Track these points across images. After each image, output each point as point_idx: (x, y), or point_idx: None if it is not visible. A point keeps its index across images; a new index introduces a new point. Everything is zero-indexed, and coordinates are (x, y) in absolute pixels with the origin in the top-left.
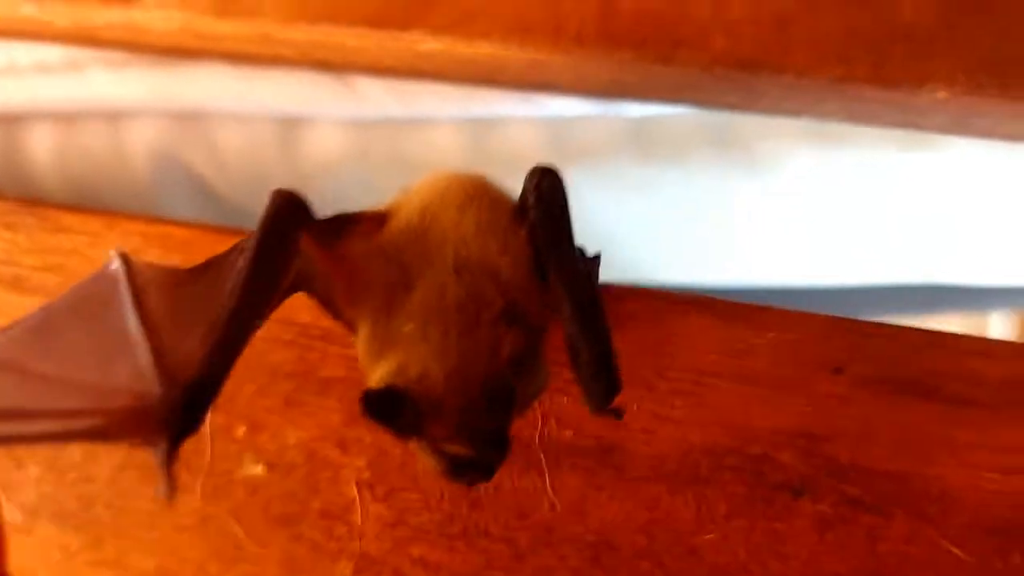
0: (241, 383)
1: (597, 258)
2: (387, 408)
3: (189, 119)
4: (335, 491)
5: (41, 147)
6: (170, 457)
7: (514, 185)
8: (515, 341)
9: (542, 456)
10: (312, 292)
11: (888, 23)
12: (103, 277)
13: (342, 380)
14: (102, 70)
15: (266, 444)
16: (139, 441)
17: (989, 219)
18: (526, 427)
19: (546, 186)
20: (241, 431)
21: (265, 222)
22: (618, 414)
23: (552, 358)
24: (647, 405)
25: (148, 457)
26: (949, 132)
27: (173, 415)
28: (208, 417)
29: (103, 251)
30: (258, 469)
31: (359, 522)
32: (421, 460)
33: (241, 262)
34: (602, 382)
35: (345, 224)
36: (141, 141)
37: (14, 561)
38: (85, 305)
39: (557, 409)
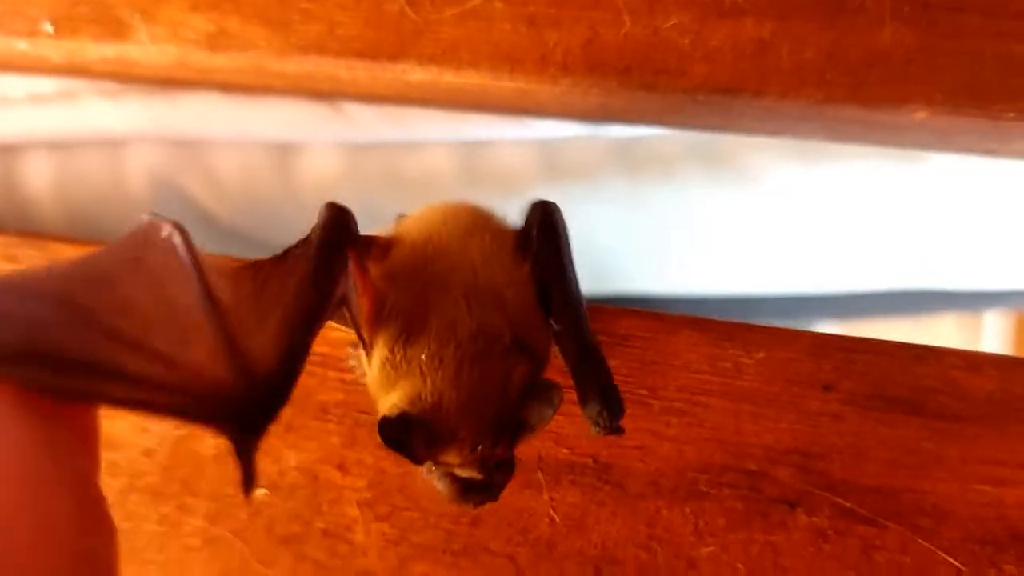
0: None
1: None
2: (402, 434)
3: (185, 146)
4: (337, 511)
5: (38, 176)
6: (252, 450)
7: (507, 205)
8: (524, 372)
9: (541, 474)
10: (348, 308)
11: (866, 46)
12: (158, 245)
13: (340, 404)
14: (97, 100)
15: (268, 467)
16: (215, 430)
17: (974, 225)
18: (524, 446)
19: (548, 222)
20: None
21: (322, 229)
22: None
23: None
24: (642, 423)
25: (155, 479)
26: (929, 149)
27: (257, 408)
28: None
29: None
30: (261, 491)
31: (361, 541)
32: (424, 482)
33: (304, 264)
34: (608, 409)
35: (366, 246)
36: (138, 168)
37: None
38: (144, 268)
39: (554, 429)
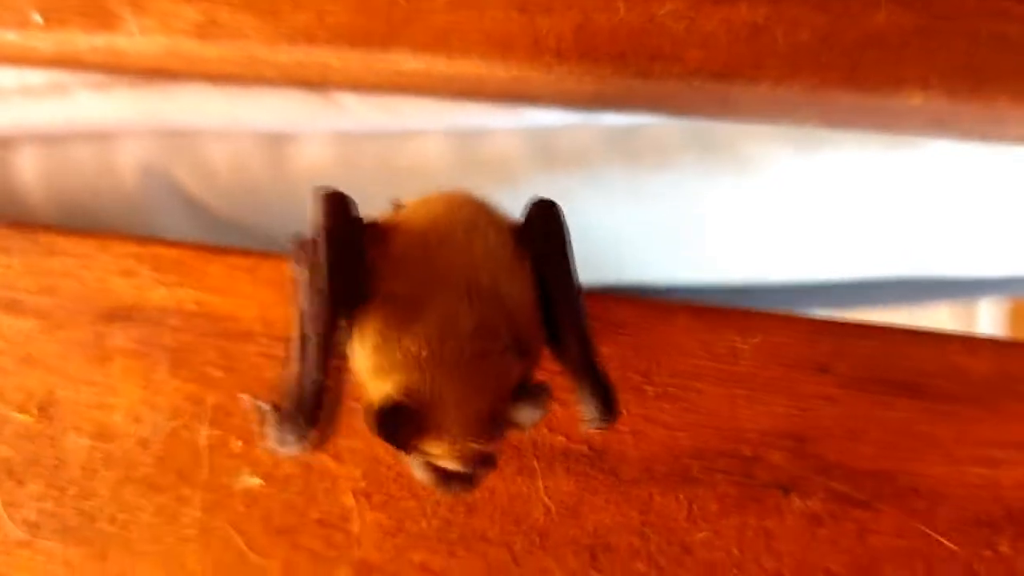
0: (235, 396)
1: None
2: (394, 425)
3: (177, 137)
4: (332, 500)
5: (29, 169)
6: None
7: (501, 194)
8: (520, 372)
9: (535, 461)
10: None
11: (861, 28)
12: None
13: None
14: (87, 91)
15: (262, 457)
16: None
17: (970, 213)
18: (518, 434)
19: (551, 223)
20: (237, 445)
21: (327, 225)
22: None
23: (543, 366)
24: (636, 409)
25: (150, 470)
26: (925, 134)
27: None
28: (205, 432)
29: (95, 273)
30: (256, 481)
31: (357, 530)
32: (411, 470)
33: (311, 272)
34: (604, 407)
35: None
36: (130, 159)
37: None
38: None
39: (548, 415)
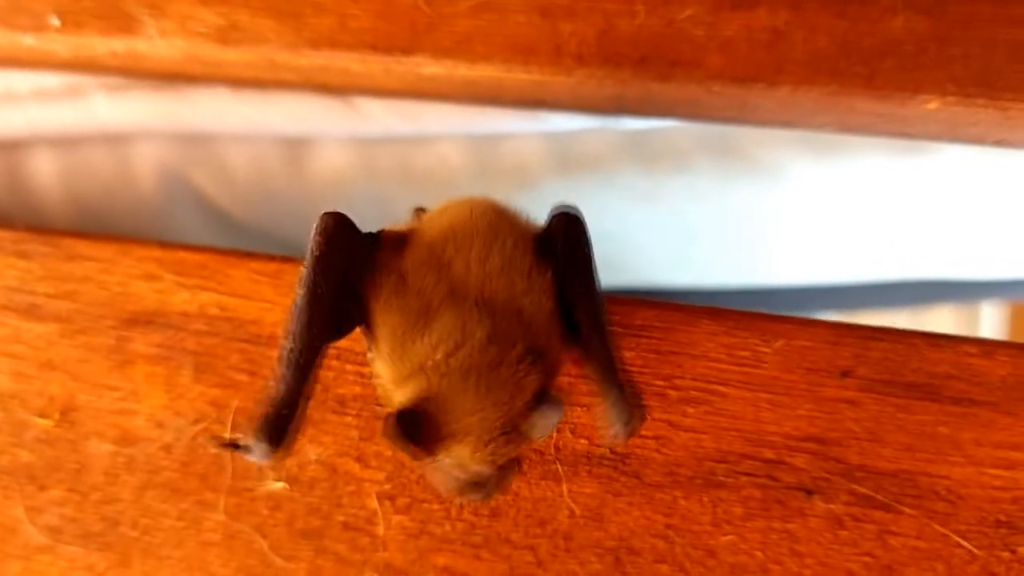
0: (259, 401)
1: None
2: (405, 433)
3: (195, 141)
4: (357, 504)
5: (45, 173)
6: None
7: (520, 199)
8: (534, 382)
9: (559, 465)
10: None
11: (879, 36)
12: None
13: (358, 397)
14: (104, 95)
15: (287, 461)
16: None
17: (981, 217)
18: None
19: (574, 233)
20: None
21: (314, 246)
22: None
23: (565, 370)
24: (659, 414)
25: (173, 475)
26: (940, 140)
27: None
28: (228, 434)
29: (116, 277)
30: (280, 485)
31: (382, 533)
32: (430, 477)
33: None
34: (631, 420)
35: (372, 242)
36: (147, 164)
37: None
38: None
39: (572, 419)
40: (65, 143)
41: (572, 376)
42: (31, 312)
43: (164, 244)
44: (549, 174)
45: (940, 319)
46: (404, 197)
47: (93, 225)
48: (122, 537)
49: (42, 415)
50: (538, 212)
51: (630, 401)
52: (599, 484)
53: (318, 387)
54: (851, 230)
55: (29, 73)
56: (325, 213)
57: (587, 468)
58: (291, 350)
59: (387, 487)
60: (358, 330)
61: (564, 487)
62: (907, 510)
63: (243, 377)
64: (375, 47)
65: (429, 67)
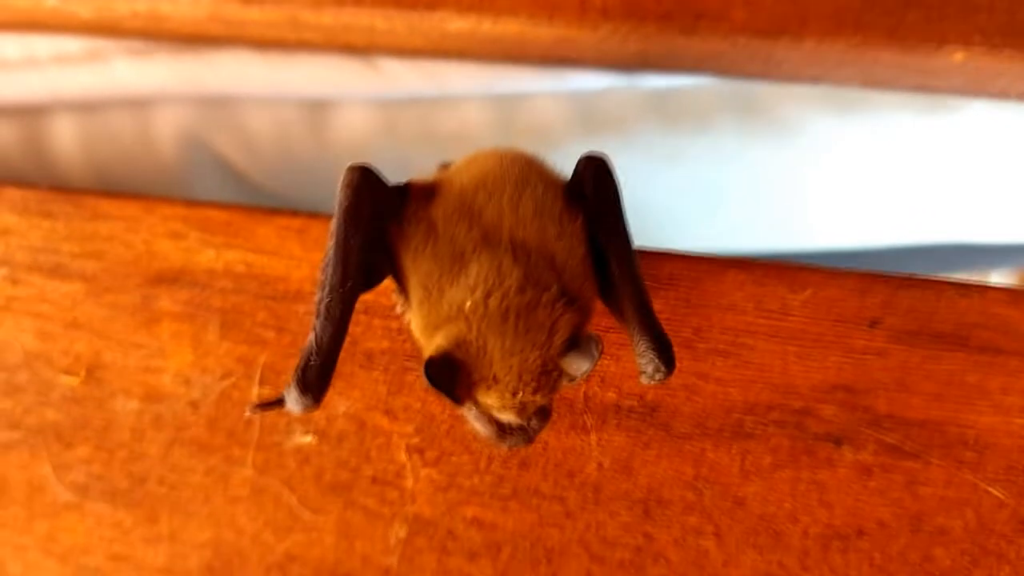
0: (287, 356)
1: None
2: (445, 375)
3: (216, 104)
4: (386, 458)
5: (66, 138)
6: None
7: (543, 158)
8: (569, 324)
9: (587, 417)
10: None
11: None
12: None
13: (386, 352)
14: (125, 59)
15: (315, 415)
16: None
17: (1002, 178)
18: (570, 389)
19: (602, 177)
20: None
21: (341, 199)
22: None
23: (595, 321)
24: (688, 365)
25: (201, 431)
26: (965, 93)
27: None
28: (257, 392)
29: (141, 236)
30: (308, 439)
31: (411, 486)
32: (468, 424)
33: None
34: (663, 365)
35: (399, 193)
36: (168, 127)
37: (67, 540)
38: None
39: (600, 370)
40: (86, 108)
41: (601, 327)
42: (56, 271)
43: (189, 202)
44: (571, 134)
45: None
46: (426, 159)
47: (115, 189)
48: (149, 494)
49: (68, 373)
50: (561, 172)
51: (662, 345)
52: (628, 435)
53: (347, 341)
54: (873, 190)
55: (50, 38)
56: (351, 166)
57: (616, 419)
58: (325, 302)
59: (416, 440)
60: (386, 283)
61: (593, 438)
62: (935, 459)
63: (270, 334)
64: (399, 3)
65: (454, 22)
